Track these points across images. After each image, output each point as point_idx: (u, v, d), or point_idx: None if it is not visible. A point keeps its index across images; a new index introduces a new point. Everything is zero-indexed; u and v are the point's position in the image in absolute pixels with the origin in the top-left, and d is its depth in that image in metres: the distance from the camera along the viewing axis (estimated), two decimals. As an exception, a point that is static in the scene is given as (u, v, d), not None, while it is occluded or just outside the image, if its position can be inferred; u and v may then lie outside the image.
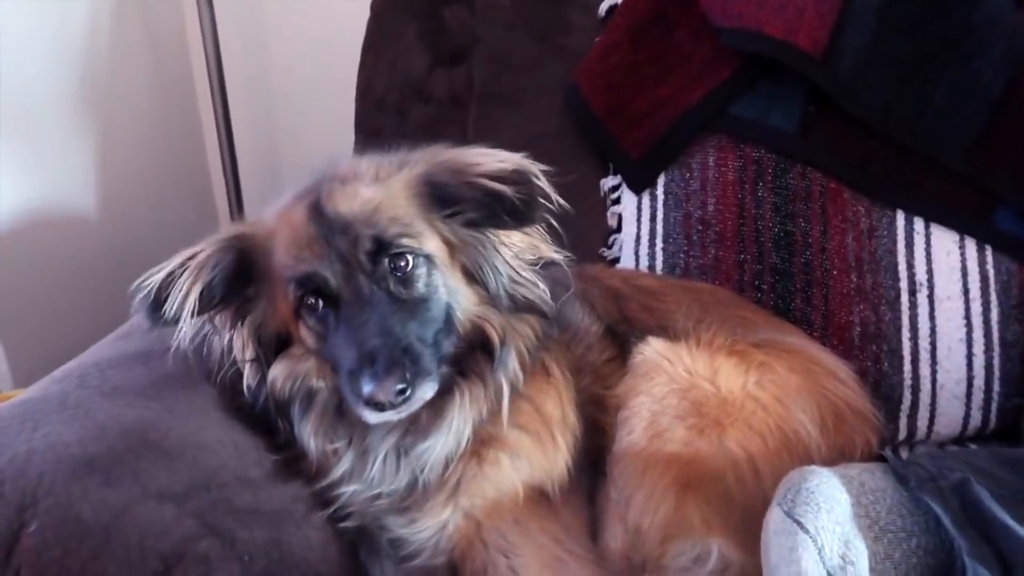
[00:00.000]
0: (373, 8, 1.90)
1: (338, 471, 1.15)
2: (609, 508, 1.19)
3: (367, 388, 0.98)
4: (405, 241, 1.07)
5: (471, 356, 1.14)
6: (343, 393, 1.06)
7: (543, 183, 1.10)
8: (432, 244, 1.11)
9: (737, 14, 1.53)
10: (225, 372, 1.19)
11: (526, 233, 1.17)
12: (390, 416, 1.04)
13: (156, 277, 1.08)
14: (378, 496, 1.16)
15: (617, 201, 1.70)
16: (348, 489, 1.16)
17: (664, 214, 1.65)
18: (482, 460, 1.15)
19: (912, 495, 1.07)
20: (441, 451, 1.12)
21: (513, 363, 1.15)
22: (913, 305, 1.48)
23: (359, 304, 1.04)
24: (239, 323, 1.14)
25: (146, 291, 1.08)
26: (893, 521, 1.04)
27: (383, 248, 1.06)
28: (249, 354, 1.15)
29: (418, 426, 1.13)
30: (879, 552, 1.01)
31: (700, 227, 1.61)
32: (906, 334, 1.47)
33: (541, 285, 1.17)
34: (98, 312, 2.03)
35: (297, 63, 2.40)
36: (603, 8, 1.74)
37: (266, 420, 1.20)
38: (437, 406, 1.11)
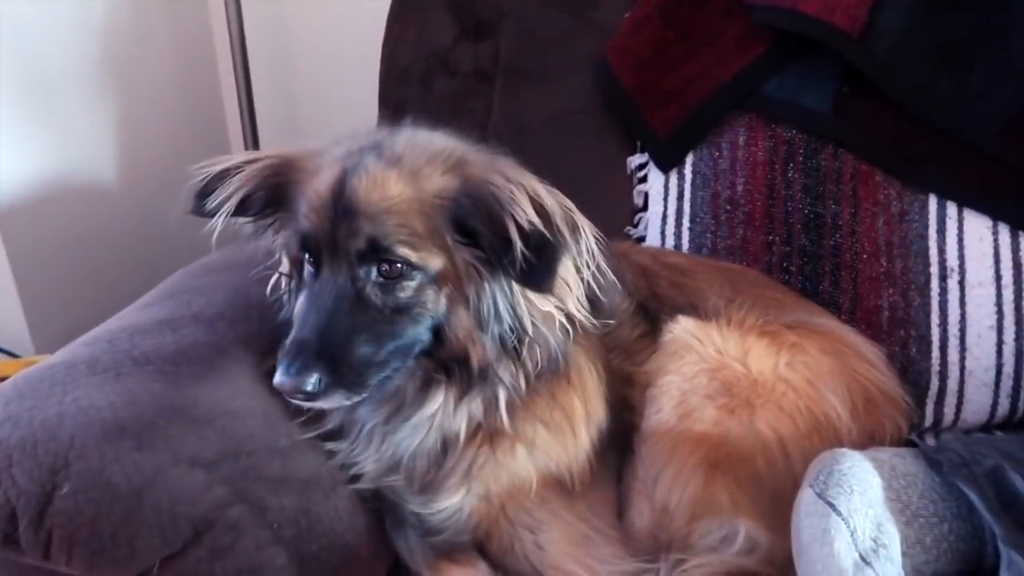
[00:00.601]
0: (400, -23, 1.87)
1: (326, 427, 1.17)
2: (636, 486, 1.19)
3: (276, 376, 0.98)
4: (403, 251, 1.01)
5: (457, 364, 1.09)
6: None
7: (581, 258, 1.04)
8: (436, 262, 1.03)
9: (772, -10, 1.50)
10: (260, 270, 1.22)
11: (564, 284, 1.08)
12: (302, 404, 1.04)
13: (214, 168, 1.09)
14: (395, 470, 1.15)
15: (644, 179, 1.68)
16: (336, 447, 1.17)
17: (691, 193, 1.63)
18: (495, 447, 1.14)
19: (944, 480, 1.06)
20: (423, 444, 1.12)
21: (507, 378, 1.09)
22: (943, 291, 1.46)
23: (327, 290, 1.02)
24: (279, 232, 1.16)
25: (201, 177, 1.09)
26: (925, 506, 1.04)
27: (376, 251, 1.01)
28: (284, 268, 1.17)
29: (400, 414, 1.12)
30: (910, 536, 1.01)
31: (728, 207, 1.59)
32: (935, 320, 1.45)
33: (551, 342, 1.09)
34: (118, 280, 2.04)
35: (320, 34, 2.37)
36: (634, -18, 1.72)
37: None
38: (421, 398, 1.11)
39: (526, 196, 0.99)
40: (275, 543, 1.01)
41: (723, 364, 1.19)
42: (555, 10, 1.77)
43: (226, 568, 0.97)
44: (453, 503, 1.14)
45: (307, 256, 1.07)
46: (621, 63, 1.66)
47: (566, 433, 1.16)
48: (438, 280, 1.04)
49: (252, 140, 2.29)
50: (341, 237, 1.02)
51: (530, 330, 1.08)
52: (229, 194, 1.08)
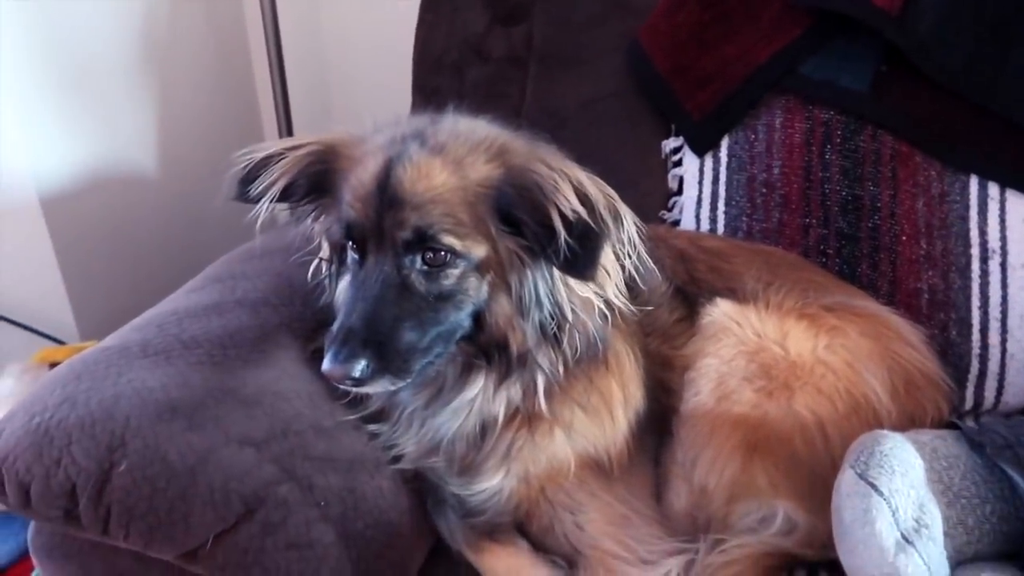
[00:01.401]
0: (432, -36, 1.88)
1: (369, 410, 1.19)
2: (674, 468, 1.20)
3: (325, 363, 0.99)
4: (448, 240, 1.02)
5: (497, 349, 1.10)
6: None
7: (622, 246, 1.05)
8: (480, 250, 1.04)
9: (811, -30, 1.48)
10: (299, 256, 1.24)
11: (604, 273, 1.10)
12: (350, 390, 1.06)
13: (257, 154, 1.10)
14: (435, 451, 1.17)
15: (679, 163, 1.68)
16: (378, 429, 1.19)
17: (727, 176, 1.62)
18: (534, 430, 1.15)
19: (986, 462, 1.06)
20: (462, 427, 1.13)
21: (546, 364, 1.10)
22: (984, 273, 1.44)
23: (373, 277, 1.03)
24: (319, 219, 1.18)
25: (244, 163, 1.11)
26: (967, 487, 1.03)
27: (422, 240, 1.02)
28: (324, 253, 1.18)
29: (440, 398, 1.13)
30: (952, 517, 1.01)
31: (764, 190, 1.58)
32: (976, 302, 1.44)
33: (591, 328, 1.10)
34: (158, 268, 2.09)
35: (353, 23, 2.39)
36: (669, -35, 1.70)
37: None
38: (461, 383, 1.12)
39: (569, 185, 0.99)
40: (323, 520, 1.04)
41: (761, 347, 1.19)
42: (588, -7, 1.76)
43: (277, 544, 1.00)
44: (492, 485, 1.16)
45: (351, 244, 1.08)
46: (655, 46, 1.65)
47: (604, 417, 1.17)
48: (481, 268, 1.05)
49: (286, 129, 2.32)
50: (387, 226, 1.03)
51: (570, 317, 1.09)
52: (272, 180, 1.09)
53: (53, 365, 1.66)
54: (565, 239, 0.97)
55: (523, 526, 1.19)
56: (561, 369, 1.11)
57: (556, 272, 1.06)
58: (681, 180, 1.67)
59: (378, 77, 2.34)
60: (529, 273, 1.06)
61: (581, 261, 0.99)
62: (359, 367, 0.98)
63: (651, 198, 1.69)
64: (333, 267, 1.19)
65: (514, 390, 1.12)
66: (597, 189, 1.02)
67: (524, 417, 1.15)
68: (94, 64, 1.90)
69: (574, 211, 0.97)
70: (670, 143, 1.68)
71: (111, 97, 1.98)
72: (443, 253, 1.02)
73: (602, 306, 1.11)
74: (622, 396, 1.19)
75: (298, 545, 1.01)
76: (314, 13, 2.41)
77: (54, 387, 1.06)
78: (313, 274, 1.25)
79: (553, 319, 1.08)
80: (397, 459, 1.19)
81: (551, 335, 1.09)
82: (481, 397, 1.12)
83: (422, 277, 1.04)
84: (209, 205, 2.30)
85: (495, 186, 1.03)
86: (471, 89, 1.83)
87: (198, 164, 2.25)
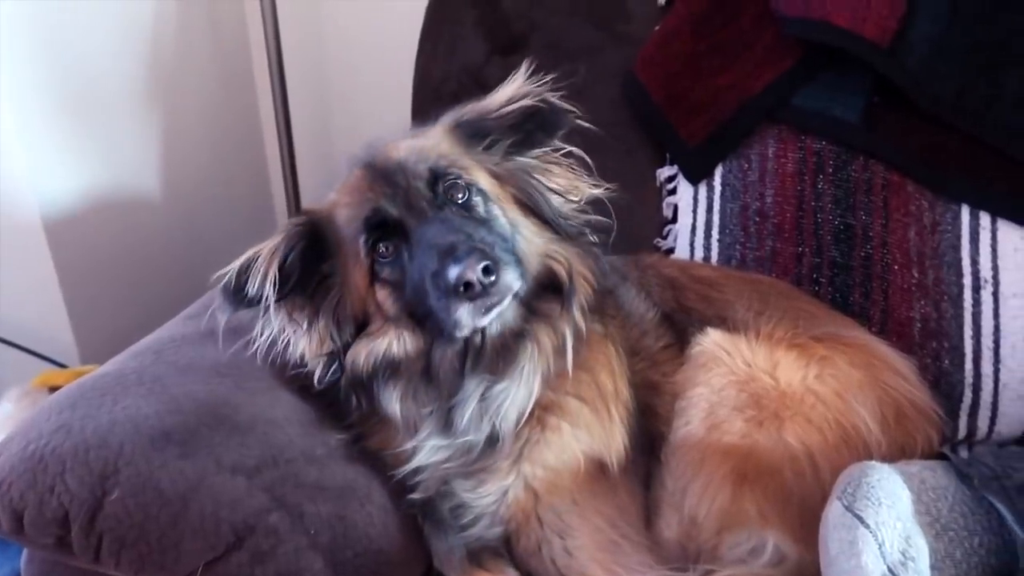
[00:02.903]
0: (431, -5, 1.91)
1: (422, 434, 1.18)
2: (664, 497, 1.20)
3: (453, 271, 1.01)
4: (455, 170, 1.14)
5: (540, 298, 1.17)
6: (435, 314, 1.08)
7: (555, 97, 1.20)
8: (481, 177, 1.17)
9: (803, 3, 1.50)
10: (295, 374, 1.22)
11: (567, 172, 1.24)
12: (480, 308, 1.05)
13: (233, 266, 1.12)
14: (451, 458, 1.18)
15: (673, 191, 1.69)
16: (430, 444, 1.18)
17: (721, 205, 1.64)
18: (545, 426, 1.18)
19: (975, 493, 1.06)
20: (515, 399, 1.15)
21: (576, 311, 1.17)
22: (976, 302, 1.45)
23: (427, 225, 1.09)
24: (315, 317, 1.17)
25: (227, 278, 1.12)
26: (955, 519, 1.04)
27: (438, 177, 1.13)
28: (326, 347, 1.17)
29: (496, 369, 1.15)
30: (940, 550, 1.01)
31: (757, 219, 1.60)
32: (968, 331, 1.44)
33: (589, 217, 1.24)
34: (160, 292, 2.11)
35: (355, 53, 2.43)
36: (663, -5, 1.73)
37: (329, 397, 1.23)
38: (511, 351, 1.15)
39: (492, 96, 1.22)
40: (312, 548, 1.05)
41: (752, 376, 1.20)
42: (584, 23, 1.79)
43: (265, 572, 1.01)
44: (502, 486, 1.17)
45: (384, 247, 1.12)
46: (650, 75, 1.68)
47: (600, 409, 1.21)
48: (492, 198, 1.17)
49: (288, 155, 2.35)
50: (404, 185, 1.12)
51: (572, 198, 1.23)
52: (264, 272, 1.11)
53: (53, 389, 1.68)
54: (520, 108, 1.18)
55: (509, 545, 1.19)
56: (583, 325, 1.18)
57: (545, 174, 1.22)
58: (676, 208, 1.69)
59: (379, 103, 2.37)
60: (525, 174, 1.20)
61: (556, 111, 1.19)
62: (482, 264, 1.01)
63: (646, 226, 1.70)
64: (340, 355, 1.17)
65: (552, 359, 1.16)
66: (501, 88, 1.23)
67: (536, 416, 1.18)
68: (98, 86, 1.94)
69: (514, 92, 1.20)
70: (665, 171, 1.70)
71: (115, 119, 2.01)
72: (460, 184, 1.14)
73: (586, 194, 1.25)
74: (613, 389, 1.22)
75: (287, 573, 1.02)
76: (317, 38, 2.45)
77: (50, 414, 1.07)
78: (318, 379, 1.19)
79: (566, 215, 1.21)
80: (412, 489, 1.20)
81: (572, 224, 1.21)
82: (528, 363, 1.15)
83: (462, 210, 1.13)
84: (211, 228, 2.34)
85: (452, 128, 1.22)
86: (470, 117, 1.86)
87: (201, 188, 2.29)
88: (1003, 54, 1.43)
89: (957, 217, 1.47)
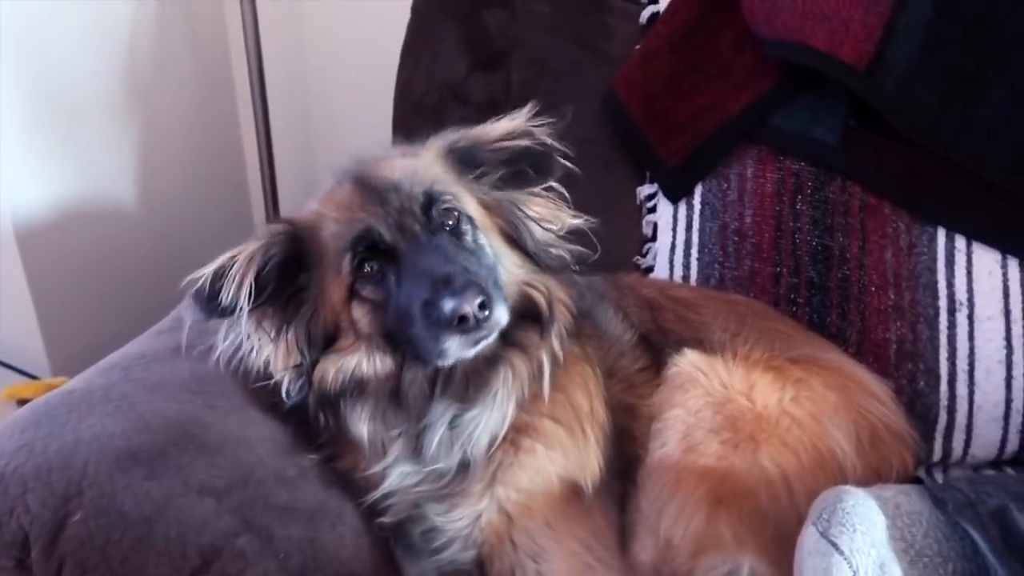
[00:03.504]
0: (414, 9, 1.91)
1: (390, 457, 1.16)
2: (640, 520, 1.19)
3: (449, 304, 1.00)
4: (447, 197, 1.13)
5: (517, 327, 1.15)
6: (417, 342, 1.07)
7: (551, 139, 1.19)
8: (471, 206, 1.17)
9: (781, 25, 1.51)
10: (262, 386, 1.19)
11: (548, 202, 1.24)
12: (470, 341, 1.05)
13: (207, 270, 1.09)
14: (422, 482, 1.17)
15: (653, 210, 1.70)
16: (398, 470, 1.16)
17: (700, 224, 1.64)
18: (519, 448, 1.17)
19: (949, 519, 1.06)
20: (487, 425, 1.14)
21: (555, 338, 1.17)
22: (952, 324, 1.46)
23: (420, 251, 1.08)
24: (285, 328, 1.14)
25: (199, 284, 1.08)
26: (929, 545, 1.03)
27: (433, 201, 1.12)
28: (294, 359, 1.14)
29: (467, 396, 1.14)
30: (914, 576, 1.01)
31: (736, 238, 1.60)
32: (944, 354, 1.45)
33: (569, 246, 1.23)
34: (134, 304, 2.07)
35: (336, 64, 2.42)
36: (644, 16, 1.74)
37: (302, 417, 1.21)
38: (484, 377, 1.14)
39: (489, 125, 1.21)
40: (281, 572, 1.03)
41: (728, 398, 1.20)
42: (566, 41, 1.80)
43: (233, 597, 0.99)
44: (475, 510, 1.16)
45: (370, 266, 1.10)
46: (630, 94, 1.68)
47: (576, 431, 1.20)
48: (480, 227, 1.16)
49: (268, 165, 2.33)
50: (399, 207, 1.11)
51: (556, 228, 1.22)
52: (239, 281, 1.07)
53: (21, 402, 1.65)
54: (515, 146, 1.17)
55: (483, 569, 1.18)
56: (561, 352, 1.18)
57: (528, 208, 1.21)
58: (655, 226, 1.69)
59: (360, 113, 2.35)
60: (511, 207, 1.20)
61: (549, 155, 1.18)
62: (480, 297, 1.01)
63: (626, 244, 1.70)
64: (307, 367, 1.15)
65: (526, 385, 1.16)
66: (500, 119, 1.22)
67: (510, 438, 1.16)
68: (73, 92, 1.91)
69: (512, 128, 1.18)
70: (645, 189, 1.70)
71: (90, 126, 1.98)
72: (453, 212, 1.13)
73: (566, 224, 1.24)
74: (589, 409, 1.21)
75: (254, 598, 1.00)
76: (298, 47, 2.44)
77: (13, 432, 1.05)
78: (286, 392, 1.17)
79: (548, 245, 1.21)
80: (382, 513, 1.18)
81: (552, 257, 1.20)
82: (503, 389, 1.14)
83: (454, 238, 1.13)
84: (188, 239, 2.31)
85: (444, 153, 1.20)
86: (450, 132, 1.85)
87: (178, 197, 2.26)
88: (977, 80, 1.45)
89: (933, 239, 1.48)
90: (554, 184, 1.24)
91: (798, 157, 1.57)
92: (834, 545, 0.96)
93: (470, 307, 1.00)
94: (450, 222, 1.13)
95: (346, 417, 1.15)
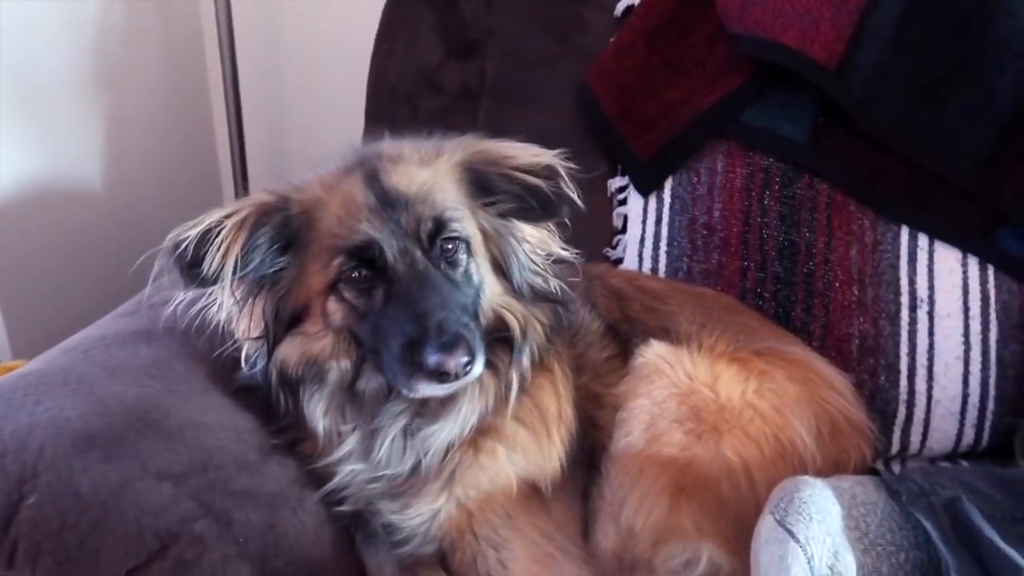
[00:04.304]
0: (390, -4, 1.89)
1: (342, 451, 1.15)
2: (603, 507, 1.20)
3: (434, 358, 0.99)
4: (456, 225, 1.10)
5: (489, 348, 1.13)
6: (387, 366, 1.05)
7: (568, 183, 1.15)
8: (472, 231, 1.14)
9: (754, 22, 1.53)
10: (223, 351, 1.17)
11: (541, 229, 1.21)
12: (443, 389, 1.05)
13: (191, 232, 1.04)
14: (377, 479, 1.16)
15: (623, 202, 1.70)
16: (349, 468, 1.16)
17: (670, 217, 1.65)
18: (479, 450, 1.17)
19: (903, 510, 1.08)
20: (446, 437, 1.13)
21: (525, 358, 1.17)
22: (913, 321, 1.48)
23: (416, 279, 1.05)
24: (254, 297, 1.11)
25: (182, 246, 1.03)
26: (883, 535, 1.05)
27: (440, 229, 1.09)
28: (257, 331, 1.12)
29: (427, 410, 1.13)
30: (867, 564, 1.03)
31: (705, 232, 1.61)
32: (904, 349, 1.48)
33: (553, 279, 1.21)
34: (98, 287, 2.04)
35: (309, 48, 2.39)
36: (620, 8, 1.74)
37: (264, 400, 1.20)
38: (451, 395, 1.12)
39: (514, 149, 1.16)
40: (240, 557, 1.02)
41: (693, 389, 1.21)
42: (541, 32, 1.79)
43: (190, 581, 0.98)
44: (432, 508, 1.15)
45: (359, 272, 1.07)
46: (603, 87, 1.68)
47: (540, 433, 1.19)
48: (474, 254, 1.14)
49: (239, 152, 2.31)
50: (408, 228, 1.07)
51: (540, 264, 1.20)
52: (225, 251, 1.04)
53: (-22, 385, 1.61)
54: (533, 183, 1.12)
55: (445, 559, 1.18)
56: (530, 371, 1.17)
57: (522, 239, 1.18)
58: (626, 219, 1.70)
59: (333, 96, 2.34)
60: (508, 238, 1.17)
61: (561, 200, 1.14)
62: (466, 354, 0.99)
63: (596, 236, 1.70)
64: (269, 342, 1.13)
65: (491, 401, 1.15)
66: (529, 146, 1.17)
67: (472, 436, 1.16)
68: (40, 75, 1.87)
69: (534, 163, 1.13)
70: (616, 182, 1.71)
71: (57, 109, 1.95)
72: (456, 238, 1.10)
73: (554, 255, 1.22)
74: (557, 411, 1.21)
75: (213, 583, 0.99)
76: (272, 28, 2.41)
77: (-33, 414, 1.02)
78: (246, 359, 1.17)
79: (534, 273, 1.19)
80: (339, 502, 1.18)
81: (536, 289, 1.19)
82: (467, 405, 1.13)
83: (448, 267, 1.10)
84: (154, 222, 2.26)
85: (461, 169, 1.15)
86: (425, 120, 1.83)
87: (143, 182, 2.22)
88: (944, 82, 1.47)
89: (897, 237, 1.51)
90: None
91: (767, 153, 1.59)
92: (790, 533, 0.97)
93: (455, 364, 0.99)
94: (451, 249, 1.10)
95: (304, 405, 1.14)
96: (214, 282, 1.05)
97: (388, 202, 1.08)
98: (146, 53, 2.21)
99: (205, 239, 1.03)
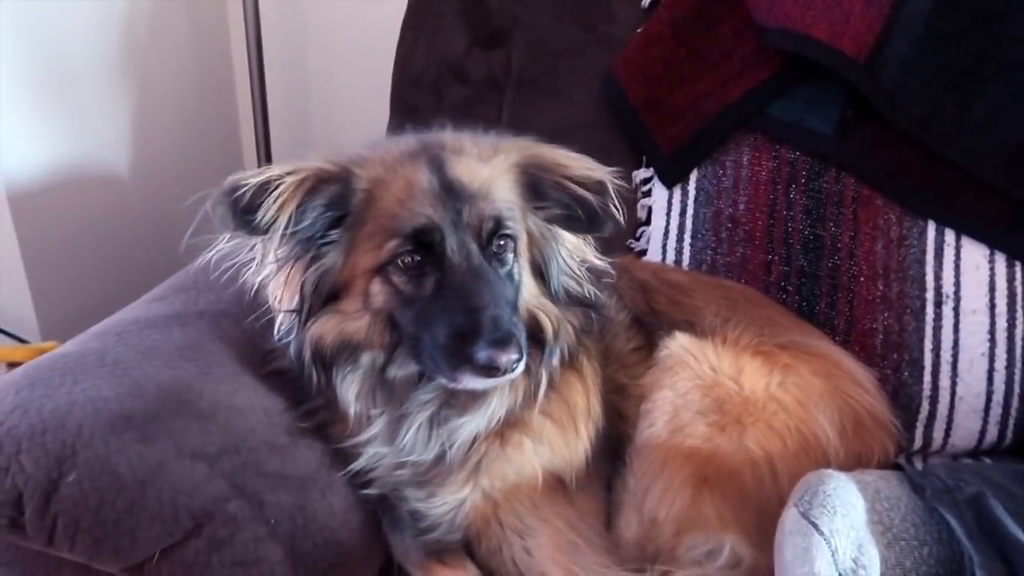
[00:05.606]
0: (416, -16, 1.90)
1: (369, 432, 1.16)
2: (626, 497, 1.21)
3: (486, 353, 0.99)
4: (511, 224, 1.12)
5: (531, 338, 1.13)
6: (428, 354, 1.06)
7: (616, 201, 1.16)
8: (521, 231, 1.15)
9: (783, 14, 1.52)
10: (257, 317, 1.18)
11: (578, 237, 1.22)
12: (487, 384, 1.06)
13: (252, 180, 1.03)
14: (402, 465, 1.17)
15: (648, 194, 1.71)
16: (374, 450, 1.17)
17: (694, 210, 1.65)
18: (506, 442, 1.17)
19: (927, 505, 1.08)
20: (472, 430, 1.14)
21: (556, 358, 1.17)
22: (938, 316, 1.48)
23: (471, 272, 1.06)
24: (296, 259, 1.09)
25: (240, 191, 1.03)
26: (906, 529, 1.06)
27: (498, 227, 1.10)
28: (291, 302, 1.12)
29: (456, 401, 1.14)
30: (890, 559, 1.03)
31: (729, 225, 1.61)
32: (928, 345, 1.47)
33: (588, 284, 1.22)
34: (125, 270, 2.07)
35: (334, 37, 2.40)
36: (647, -1, 1.74)
37: (293, 383, 1.21)
38: (481, 391, 1.13)
39: (569, 159, 1.17)
40: (271, 538, 1.04)
41: (716, 382, 1.22)
42: (568, 22, 1.79)
43: (223, 560, 1.00)
44: (457, 497, 1.16)
45: (411, 258, 1.07)
46: (629, 78, 1.68)
47: (568, 428, 1.20)
48: (519, 251, 1.15)
49: (263, 138, 2.32)
50: (469, 222, 1.08)
51: (576, 269, 1.21)
52: (281, 204, 1.03)
53: (12, 365, 1.65)
54: (583, 196, 1.13)
55: (471, 546, 1.20)
56: (559, 369, 1.18)
57: (562, 244, 1.20)
58: (650, 210, 1.70)
59: (358, 85, 2.35)
60: (551, 243, 1.18)
61: (607, 216, 1.15)
62: (517, 352, 1.00)
63: (620, 227, 1.71)
64: (303, 314, 1.12)
65: (520, 397, 1.16)
66: (583, 158, 1.18)
67: (497, 431, 1.17)
68: (70, 61, 1.89)
69: (587, 176, 1.14)
70: (640, 173, 1.71)
71: (86, 95, 1.97)
72: (509, 238, 1.12)
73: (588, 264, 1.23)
74: (585, 407, 1.22)
75: (245, 563, 1.01)
76: (297, 16, 2.42)
77: (7, 393, 1.05)
78: (278, 330, 1.16)
79: (571, 278, 1.20)
80: (366, 484, 1.19)
81: (571, 294, 1.20)
82: (496, 400, 1.15)
83: (497, 263, 1.11)
84: (180, 208, 2.29)
85: (518, 171, 1.15)
86: (449, 109, 1.85)
87: (172, 166, 2.25)
88: (972, 76, 1.46)
89: (923, 232, 1.50)
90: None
91: (794, 146, 1.58)
92: (815, 526, 0.98)
93: (506, 360, 1.00)
94: (502, 246, 1.11)
95: (337, 386, 1.15)
96: (264, 232, 1.05)
97: (452, 192, 1.09)
98: (173, 41, 2.23)
99: (264, 188, 1.03)
